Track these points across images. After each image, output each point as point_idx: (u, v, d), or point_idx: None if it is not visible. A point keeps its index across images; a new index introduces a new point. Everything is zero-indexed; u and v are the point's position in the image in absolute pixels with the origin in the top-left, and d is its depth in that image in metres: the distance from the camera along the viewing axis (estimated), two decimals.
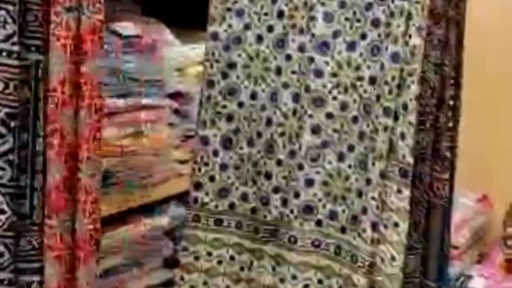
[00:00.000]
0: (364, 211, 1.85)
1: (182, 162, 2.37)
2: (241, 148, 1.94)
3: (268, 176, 1.94)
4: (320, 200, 1.91)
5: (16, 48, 1.25)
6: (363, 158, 1.86)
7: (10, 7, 1.25)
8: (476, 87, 2.22)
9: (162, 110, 2.31)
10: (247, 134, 1.94)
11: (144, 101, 2.24)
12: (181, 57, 2.41)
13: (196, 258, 1.96)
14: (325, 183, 1.91)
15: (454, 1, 1.91)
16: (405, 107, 1.79)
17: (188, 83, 2.40)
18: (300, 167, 1.91)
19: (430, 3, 1.78)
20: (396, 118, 1.81)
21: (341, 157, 1.89)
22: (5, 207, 1.29)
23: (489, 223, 3.24)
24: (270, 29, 1.91)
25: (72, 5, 1.31)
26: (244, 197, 1.96)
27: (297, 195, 1.91)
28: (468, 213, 3.09)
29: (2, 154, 1.28)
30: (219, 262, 1.96)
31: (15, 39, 1.25)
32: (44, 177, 1.32)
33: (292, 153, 1.91)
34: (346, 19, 1.87)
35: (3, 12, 1.24)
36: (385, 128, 1.82)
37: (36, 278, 1.35)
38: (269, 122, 1.93)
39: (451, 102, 1.95)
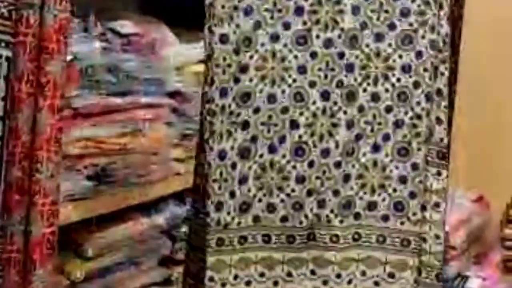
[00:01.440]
0: (412, 195, 1.88)
1: (180, 160, 2.31)
2: (261, 156, 1.79)
3: (299, 180, 1.83)
4: (357, 193, 1.87)
5: None
6: (403, 145, 1.86)
7: None
8: (475, 88, 2.20)
9: (161, 109, 2.25)
10: (267, 141, 1.80)
11: (143, 99, 2.19)
12: (181, 56, 2.34)
13: (223, 284, 1.79)
14: (360, 176, 1.87)
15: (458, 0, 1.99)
16: (439, 92, 1.86)
17: (187, 82, 2.33)
18: (337, 164, 1.84)
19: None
20: (432, 104, 1.87)
21: (376, 148, 1.86)
22: None
23: (486, 223, 3.17)
24: (287, 26, 1.79)
25: (35, 1, 1.26)
26: (270, 208, 1.82)
27: (335, 193, 1.85)
28: (465, 213, 3.02)
29: None
30: (248, 283, 1.81)
31: None
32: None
33: (326, 152, 1.83)
34: (373, 10, 1.82)
35: None
36: (428, 113, 1.86)
37: None
38: (294, 124, 1.81)
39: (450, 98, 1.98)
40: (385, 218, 1.89)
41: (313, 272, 1.86)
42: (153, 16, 2.39)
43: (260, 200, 1.79)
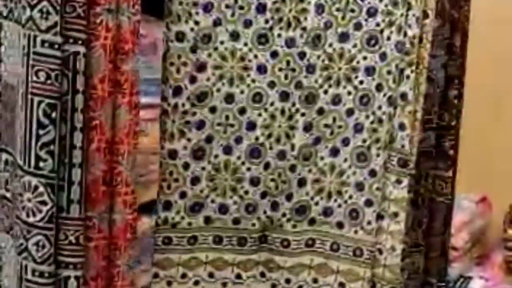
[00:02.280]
0: (368, 203, 1.83)
1: None
2: (216, 156, 1.77)
3: (254, 182, 1.80)
4: (312, 198, 1.84)
5: (58, 39, 1.26)
6: (362, 151, 1.82)
7: None
8: (476, 88, 2.22)
9: None
10: (223, 141, 1.76)
11: (143, 99, 2.28)
12: None
13: (169, 283, 1.79)
14: (317, 180, 1.84)
15: (459, 2, 1.94)
16: (404, 96, 1.77)
17: None
18: (292, 168, 1.81)
19: (437, 4, 1.79)
20: (394, 108, 1.79)
21: (334, 152, 1.83)
22: (47, 199, 1.29)
23: (488, 224, 3.23)
24: (248, 24, 1.74)
25: (112, 6, 1.33)
26: (222, 209, 1.80)
27: (289, 197, 1.83)
28: (468, 214, 3.07)
29: (44, 144, 1.29)
30: (196, 283, 1.80)
31: (57, 29, 1.26)
32: (82, 171, 1.33)
33: (282, 155, 1.80)
34: (338, 9, 1.78)
35: (45, 3, 1.25)
36: (390, 118, 1.79)
37: (73, 273, 1.36)
38: (251, 125, 1.78)
39: (455, 101, 1.97)
40: (340, 225, 1.85)
41: (262, 275, 1.84)
42: (154, 16, 2.49)
43: (212, 201, 1.78)
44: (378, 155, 1.81)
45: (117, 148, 1.40)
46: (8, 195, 1.42)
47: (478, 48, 2.11)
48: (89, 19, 1.31)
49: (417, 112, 1.79)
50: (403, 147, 1.78)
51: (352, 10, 1.78)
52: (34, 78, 1.28)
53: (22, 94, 1.29)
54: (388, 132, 1.80)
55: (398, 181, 1.79)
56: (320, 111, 1.81)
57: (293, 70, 1.78)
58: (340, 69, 1.80)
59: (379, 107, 1.80)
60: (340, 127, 1.82)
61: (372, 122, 1.81)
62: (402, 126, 1.78)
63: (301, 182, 1.83)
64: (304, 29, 1.77)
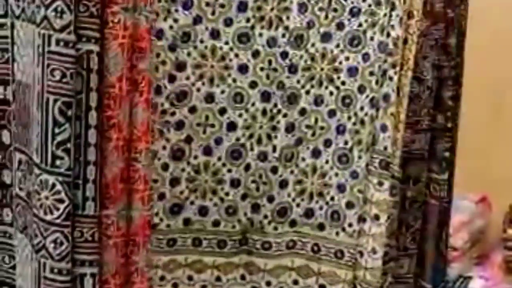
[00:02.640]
0: (349, 205, 1.81)
1: None
2: (195, 157, 1.74)
3: (234, 183, 1.78)
4: (294, 199, 1.83)
5: (72, 37, 1.28)
6: (344, 152, 1.81)
7: None
8: (476, 89, 2.24)
9: None
10: (203, 142, 1.74)
11: None
12: None
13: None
14: (299, 182, 1.82)
15: (455, 2, 1.90)
16: (386, 98, 1.74)
17: None
18: (273, 169, 1.79)
19: (426, 4, 1.77)
20: (377, 110, 1.76)
21: (316, 154, 1.82)
22: (64, 196, 1.32)
23: (488, 224, 3.19)
24: (229, 22, 1.71)
25: (129, 5, 1.35)
26: (202, 211, 1.78)
27: (270, 199, 1.81)
28: (467, 214, 3.05)
29: (60, 143, 1.31)
30: (175, 285, 1.79)
31: (71, 28, 1.28)
32: (96, 169, 1.35)
33: (263, 156, 1.78)
34: (321, 9, 1.76)
35: (60, 2, 1.27)
36: (372, 120, 1.77)
37: (88, 270, 1.38)
38: (232, 125, 1.75)
39: (450, 103, 1.94)
40: (321, 227, 1.84)
41: (243, 277, 1.83)
42: None
43: (192, 203, 1.76)
44: (360, 157, 1.80)
45: (135, 146, 1.42)
46: (23, 194, 1.44)
47: (477, 47, 2.13)
48: (107, 18, 1.33)
49: (400, 114, 1.77)
50: (386, 149, 1.76)
51: (335, 10, 1.77)
52: (50, 77, 1.30)
53: (38, 92, 1.31)
54: (370, 133, 1.78)
55: (380, 183, 1.77)
56: (302, 112, 1.80)
57: (275, 70, 1.77)
58: (322, 69, 1.79)
59: (361, 109, 1.79)
60: (322, 128, 1.81)
61: (354, 124, 1.80)
62: (384, 128, 1.76)
63: (283, 184, 1.82)
64: (286, 28, 1.75)
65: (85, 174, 1.35)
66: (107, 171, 1.37)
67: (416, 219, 1.92)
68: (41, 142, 1.32)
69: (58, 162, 1.32)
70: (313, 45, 1.78)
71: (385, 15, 1.74)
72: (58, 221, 1.33)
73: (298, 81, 1.79)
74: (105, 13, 1.33)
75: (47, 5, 1.28)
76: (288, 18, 1.75)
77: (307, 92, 1.80)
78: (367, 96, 1.78)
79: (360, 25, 1.77)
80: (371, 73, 1.77)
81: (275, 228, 1.84)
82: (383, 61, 1.75)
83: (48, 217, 1.33)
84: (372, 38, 1.77)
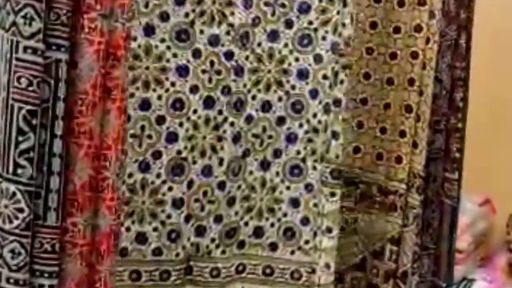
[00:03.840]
0: (305, 221, 1.66)
1: None
2: (130, 175, 1.51)
3: (176, 204, 1.53)
4: (242, 218, 1.65)
5: (41, 45, 1.26)
6: (296, 163, 1.65)
7: (37, 4, 1.25)
8: (479, 89, 2.19)
9: None
10: (139, 156, 1.50)
11: None
12: None
13: None
14: (246, 198, 1.64)
15: (465, 3, 1.87)
16: (337, 103, 1.59)
17: None
18: (220, 185, 1.58)
19: (443, 5, 1.72)
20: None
21: (265, 166, 1.64)
22: (24, 206, 1.28)
23: (492, 227, 3.19)
24: (165, 17, 1.48)
25: (106, 12, 1.32)
26: (140, 238, 1.53)
27: (217, 219, 1.60)
28: (471, 217, 3.04)
29: (23, 151, 1.29)
30: None
31: (40, 36, 1.26)
32: (60, 179, 1.32)
33: (208, 170, 1.55)
34: (267, 4, 1.57)
35: (29, 9, 1.25)
36: (326, 127, 1.62)
37: (47, 282, 1.33)
38: (171, 136, 1.51)
39: (461, 104, 1.92)
40: (273, 246, 1.67)
41: None
42: None
43: (128, 229, 1.52)
44: (314, 168, 1.64)
45: (105, 154, 1.36)
46: None
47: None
48: (83, 24, 1.30)
49: (425, 113, 1.72)
50: (337, 157, 1.61)
51: (283, 5, 1.59)
52: (16, 84, 1.27)
53: (3, 99, 1.28)
54: (325, 142, 1.62)
55: (332, 194, 1.61)
56: (249, 120, 1.61)
57: (219, 72, 1.54)
58: (269, 71, 1.61)
59: (314, 115, 1.63)
60: (270, 137, 1.63)
61: (306, 132, 1.64)
62: (335, 135, 1.60)
63: (231, 201, 1.62)
64: (231, 25, 1.53)
65: (48, 184, 1.32)
66: (76, 178, 1.34)
67: (434, 218, 1.90)
68: (3, 149, 1.29)
69: (19, 171, 1.29)
70: (259, 44, 1.59)
71: (338, 12, 1.59)
72: (16, 230, 1.29)
73: (245, 85, 1.58)
74: (80, 19, 1.31)
75: (17, 11, 1.26)
76: (232, 13, 1.53)
77: (253, 97, 1.60)
78: (320, 102, 1.62)
79: (310, 23, 1.61)
80: (324, 76, 1.61)
81: (223, 252, 1.64)
82: (335, 62, 1.60)
83: (7, 226, 1.29)
84: (324, 38, 1.61)
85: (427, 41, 1.70)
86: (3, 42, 1.28)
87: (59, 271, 1.34)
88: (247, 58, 1.57)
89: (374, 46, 1.79)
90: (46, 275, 1.33)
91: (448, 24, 1.81)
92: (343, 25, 1.58)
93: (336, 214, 1.62)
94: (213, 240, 1.62)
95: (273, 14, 1.58)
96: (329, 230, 1.62)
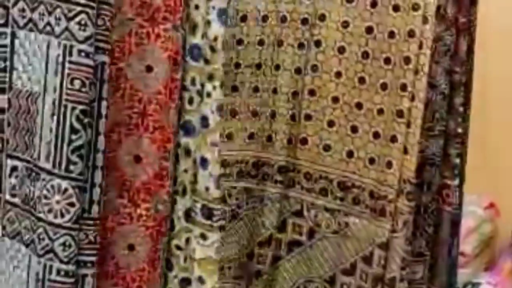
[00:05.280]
0: (169, 266, 1.51)
1: None
2: None
3: None
4: None
5: (92, 49, 1.37)
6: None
7: (90, 11, 1.36)
8: (482, 93, 2.20)
9: None
10: None
11: None
12: None
13: None
14: None
15: (465, 7, 1.83)
16: (205, 122, 1.45)
17: None
18: None
19: (439, 9, 1.71)
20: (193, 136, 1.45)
21: None
22: (75, 200, 1.38)
23: (496, 230, 3.24)
24: None
25: (177, 24, 1.50)
26: None
27: None
28: (476, 220, 3.10)
29: (76, 148, 1.38)
30: None
31: (92, 40, 1.36)
32: (103, 173, 1.42)
33: None
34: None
35: (84, 16, 1.36)
36: (187, 152, 1.48)
37: (90, 271, 1.44)
38: None
39: (461, 109, 1.88)
40: None
41: None
42: None
43: None
44: (175, 202, 1.50)
45: (165, 146, 1.55)
46: (16, 200, 1.49)
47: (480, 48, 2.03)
48: (158, 33, 1.50)
49: (416, 119, 1.68)
50: (208, 190, 1.44)
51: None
52: (69, 86, 1.38)
53: (53, 101, 1.38)
54: (187, 170, 1.49)
55: (203, 236, 1.46)
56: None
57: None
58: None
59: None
60: None
61: None
62: (204, 162, 1.44)
63: None
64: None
65: (92, 178, 1.43)
66: (148, 169, 1.52)
67: (429, 225, 1.86)
68: (54, 148, 1.39)
69: (72, 167, 1.38)
70: None
71: (196, 7, 1.47)
72: (68, 224, 1.39)
73: None
74: (155, 28, 1.49)
75: (70, 18, 1.36)
76: None
77: None
78: (183, 118, 1.49)
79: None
80: (185, 88, 1.47)
81: None
82: (197, 71, 1.45)
83: (58, 221, 1.39)
84: (184, 39, 1.47)
85: (420, 46, 1.68)
86: (51, 46, 1.39)
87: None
88: None
89: (369, 51, 1.77)
90: (89, 265, 1.44)
91: (446, 29, 1.79)
92: (208, 23, 1.43)
93: (210, 262, 1.44)
94: None
95: None
96: (201, 280, 1.46)
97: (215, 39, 1.41)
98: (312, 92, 1.77)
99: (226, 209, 1.52)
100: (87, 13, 1.36)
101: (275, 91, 1.76)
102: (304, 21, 1.75)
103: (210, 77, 1.42)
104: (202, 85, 1.43)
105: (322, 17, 1.72)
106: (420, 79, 1.64)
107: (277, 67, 1.76)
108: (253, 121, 1.75)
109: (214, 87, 1.42)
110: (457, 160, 1.90)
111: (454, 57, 1.84)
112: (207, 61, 1.42)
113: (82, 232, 1.42)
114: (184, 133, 1.45)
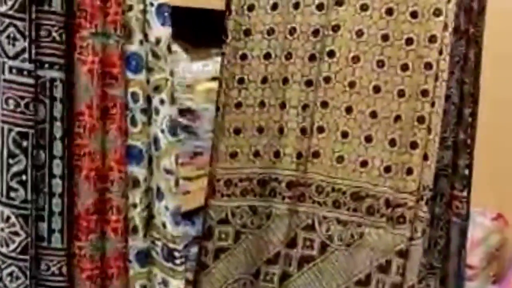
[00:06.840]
0: None
1: (189, 179, 2.29)
2: None
3: None
4: None
5: (27, 65, 1.22)
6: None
7: (19, 23, 1.21)
8: (489, 103, 2.19)
9: None
10: None
11: None
12: (191, 73, 2.33)
13: None
14: None
15: (474, 18, 1.84)
16: (156, 145, 1.28)
17: (198, 100, 2.33)
18: None
19: (454, 20, 1.70)
20: (149, 161, 1.27)
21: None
22: (19, 230, 1.26)
23: (504, 242, 3.24)
24: None
25: (98, 30, 1.29)
26: None
27: None
28: (483, 232, 3.09)
29: (15, 174, 1.25)
30: None
31: (25, 55, 1.22)
32: (63, 200, 1.30)
33: None
34: None
35: (12, 29, 1.22)
36: (135, 183, 1.31)
37: None
38: None
39: (470, 119, 1.90)
40: None
41: None
42: None
43: None
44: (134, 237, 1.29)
45: (107, 175, 1.35)
46: None
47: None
48: (75, 43, 1.28)
49: (432, 130, 1.67)
50: (165, 227, 1.29)
51: None
52: (4, 106, 1.24)
53: None
54: (142, 201, 1.30)
55: (164, 283, 1.32)
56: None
57: None
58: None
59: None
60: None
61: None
62: (159, 193, 1.29)
63: None
64: None
65: (50, 206, 1.31)
66: (79, 201, 1.33)
67: (441, 236, 1.88)
68: None
69: (12, 194, 1.27)
70: None
71: (130, 8, 1.29)
72: (13, 254, 1.29)
73: None
74: (73, 38, 1.28)
75: (0, 31, 1.22)
76: None
77: None
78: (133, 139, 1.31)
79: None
80: (127, 108, 1.30)
81: None
82: (139, 85, 1.27)
83: (4, 250, 1.28)
84: (123, 48, 1.29)
85: (440, 52, 1.68)
86: None
87: None
88: None
89: (385, 59, 1.76)
90: None
91: (458, 39, 1.79)
92: (148, 23, 1.27)
93: None
94: None
95: None
96: None
97: (158, 42, 1.24)
98: (325, 104, 1.75)
99: (187, 254, 1.35)
100: (15, 25, 1.22)
101: (283, 105, 1.72)
102: (316, 32, 1.74)
103: (156, 89, 1.26)
104: (149, 100, 1.26)
105: (336, 28, 1.70)
106: (440, 85, 1.65)
107: (285, 81, 1.73)
108: (259, 138, 1.74)
109: (162, 101, 1.26)
110: (466, 171, 1.91)
111: (464, 67, 1.84)
112: (150, 70, 1.25)
113: (43, 262, 1.33)
114: (130, 161, 1.27)
